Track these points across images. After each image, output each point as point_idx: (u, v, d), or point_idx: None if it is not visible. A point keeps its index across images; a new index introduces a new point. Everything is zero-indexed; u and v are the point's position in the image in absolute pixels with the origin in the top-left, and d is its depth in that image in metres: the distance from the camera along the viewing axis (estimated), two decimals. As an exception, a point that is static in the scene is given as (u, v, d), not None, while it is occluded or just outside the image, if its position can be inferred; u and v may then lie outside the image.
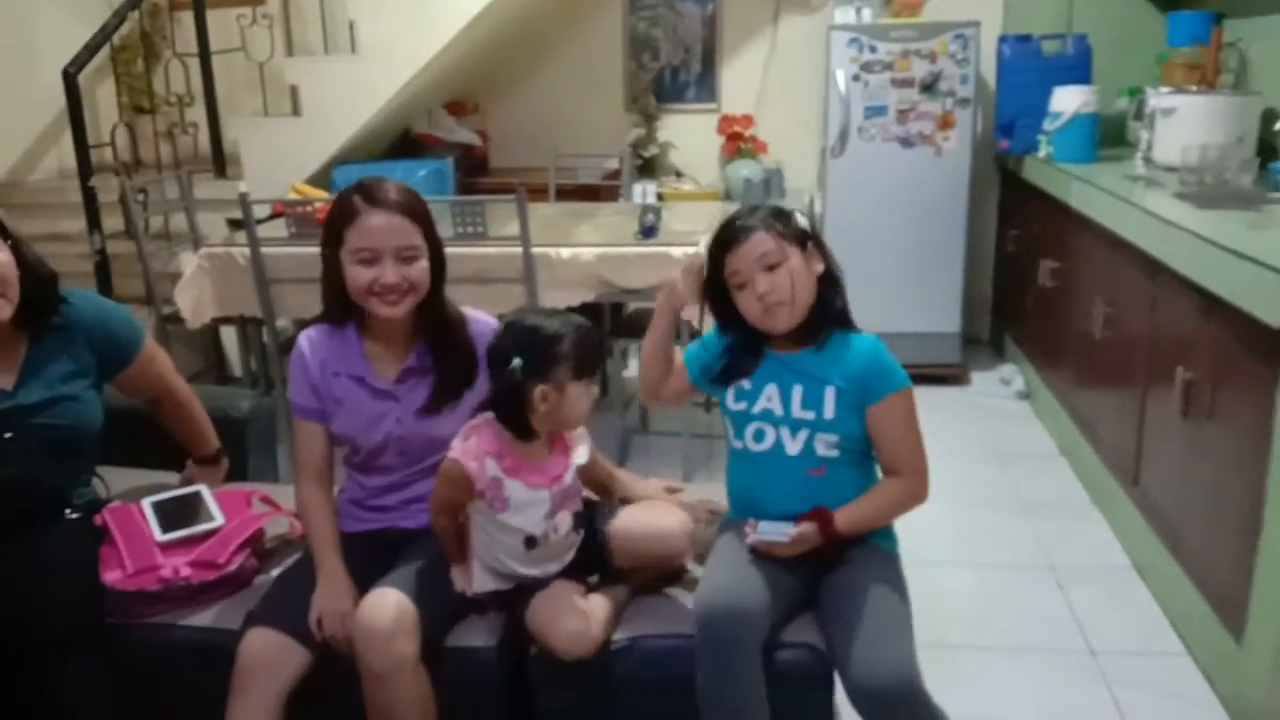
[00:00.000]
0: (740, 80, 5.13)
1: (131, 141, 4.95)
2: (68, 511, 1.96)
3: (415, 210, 1.82)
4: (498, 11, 4.39)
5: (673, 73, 5.22)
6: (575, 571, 1.82)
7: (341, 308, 1.86)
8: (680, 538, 1.80)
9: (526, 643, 1.77)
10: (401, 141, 5.05)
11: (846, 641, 1.61)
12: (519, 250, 3.11)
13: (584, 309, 3.16)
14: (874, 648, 1.58)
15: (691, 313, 1.94)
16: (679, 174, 5.14)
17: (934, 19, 4.36)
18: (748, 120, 5.03)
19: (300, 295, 3.29)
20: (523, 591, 1.78)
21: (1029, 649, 2.49)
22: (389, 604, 1.65)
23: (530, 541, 1.74)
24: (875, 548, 1.80)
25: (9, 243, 1.87)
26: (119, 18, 4.34)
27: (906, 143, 4.32)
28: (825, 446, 1.77)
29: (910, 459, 1.78)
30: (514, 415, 1.70)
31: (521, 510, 1.72)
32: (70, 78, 3.99)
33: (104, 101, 5.13)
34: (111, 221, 4.20)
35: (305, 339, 1.89)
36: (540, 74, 5.27)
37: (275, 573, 1.95)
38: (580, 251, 3.18)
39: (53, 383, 1.93)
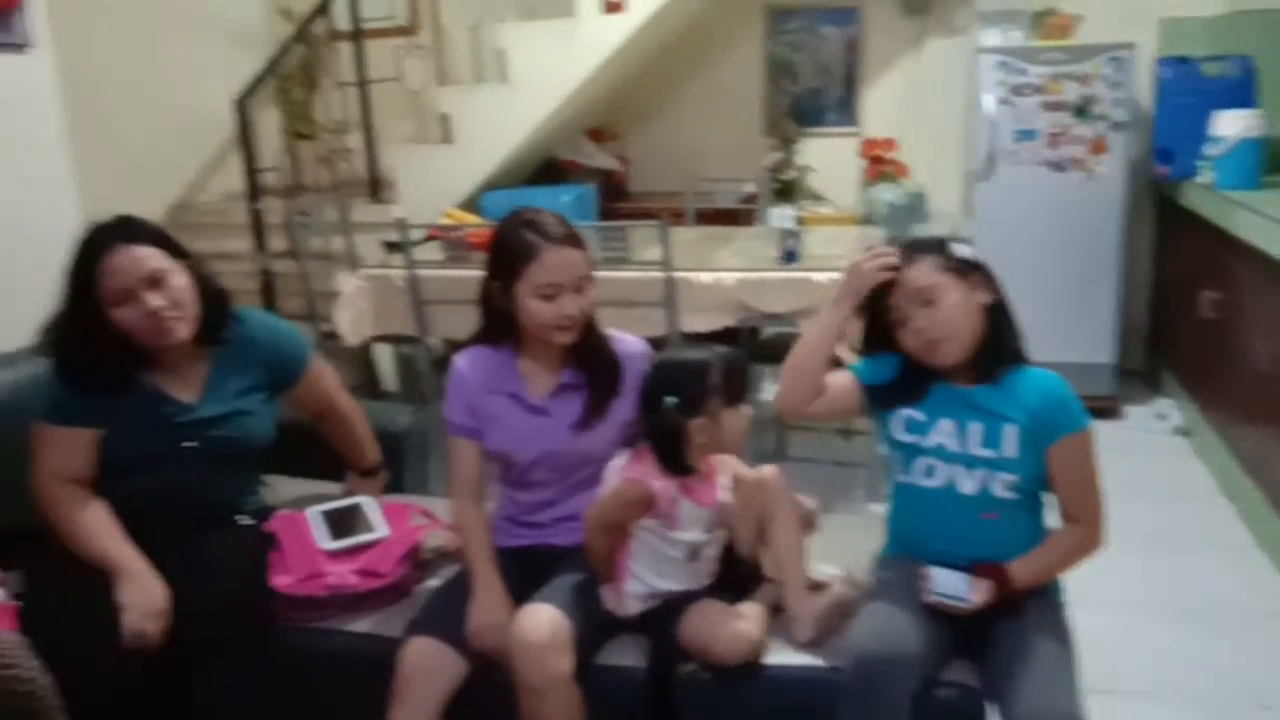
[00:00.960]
0: (882, 103, 5.09)
1: (292, 166, 5.21)
2: (239, 517, 2.07)
3: (582, 241, 1.88)
4: (640, 40, 4.47)
5: (812, 96, 5.21)
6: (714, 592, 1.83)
7: (501, 331, 1.91)
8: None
9: (675, 664, 1.78)
10: (545, 167, 5.18)
11: (1010, 685, 1.56)
12: (660, 275, 3.15)
13: (722, 334, 3.20)
14: (1039, 692, 1.53)
15: (849, 334, 1.90)
16: (817, 198, 5.11)
17: (1086, 41, 4.23)
18: (890, 143, 4.97)
19: (451, 315, 3.40)
20: (671, 611, 1.80)
21: (1192, 698, 2.37)
22: (544, 619, 1.69)
23: (694, 553, 1.77)
24: (1044, 596, 1.75)
25: (186, 263, 1.99)
26: (285, 50, 4.59)
27: (1057, 167, 4.19)
28: (1003, 487, 1.73)
29: (1088, 505, 1.72)
30: (674, 453, 1.73)
31: (689, 526, 1.75)
32: (241, 106, 4.23)
33: (266, 128, 5.42)
34: (273, 242, 4.42)
35: (463, 359, 1.95)
36: (678, 100, 5.33)
37: (433, 583, 2.02)
38: (721, 276, 3.20)
39: (229, 398, 2.05)
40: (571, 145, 5.13)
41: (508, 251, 1.86)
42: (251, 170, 4.28)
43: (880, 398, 1.82)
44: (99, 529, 1.89)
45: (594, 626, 1.79)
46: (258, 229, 4.28)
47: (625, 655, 1.81)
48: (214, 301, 2.02)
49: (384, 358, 4.30)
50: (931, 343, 1.72)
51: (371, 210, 4.64)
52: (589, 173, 5.07)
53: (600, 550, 1.80)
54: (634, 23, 4.30)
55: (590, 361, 1.92)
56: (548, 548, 1.93)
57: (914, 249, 1.76)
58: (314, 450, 2.30)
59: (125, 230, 1.91)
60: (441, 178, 4.49)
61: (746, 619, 1.76)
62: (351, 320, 3.50)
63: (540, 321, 1.84)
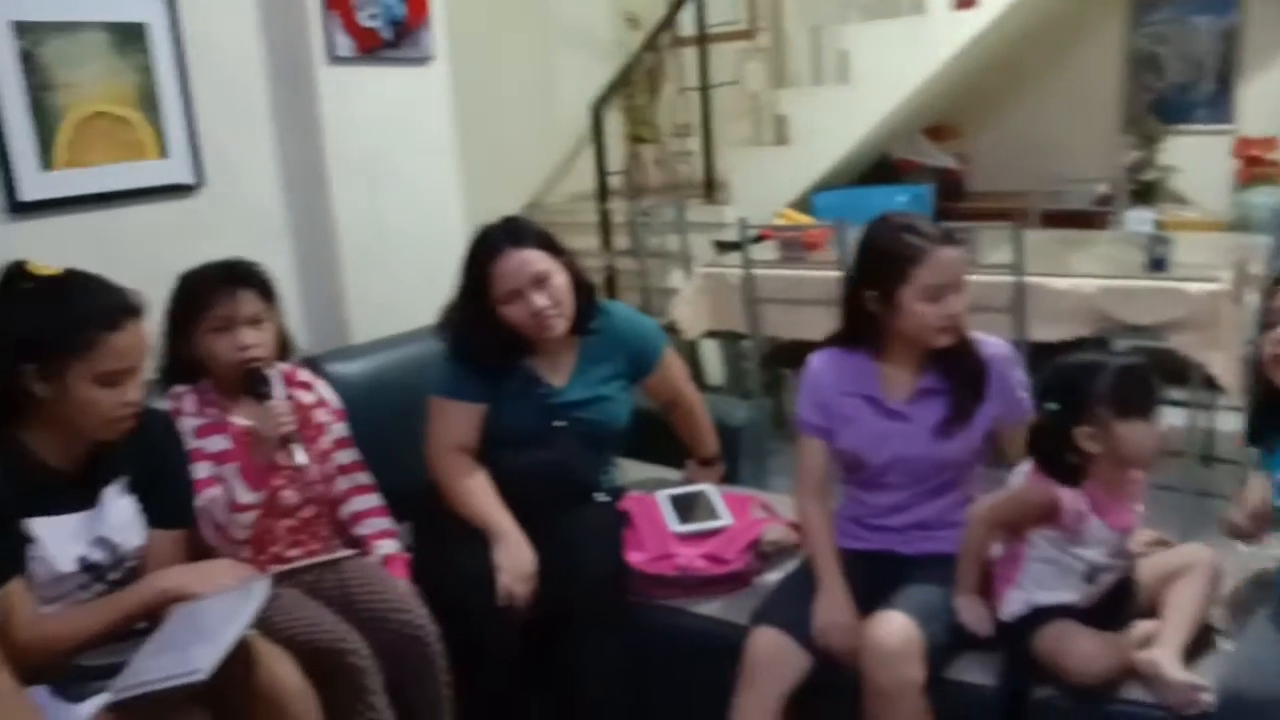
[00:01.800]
0: (1263, 99, 4.57)
1: (631, 168, 5.47)
2: (597, 495, 2.20)
3: (959, 241, 1.84)
4: (989, 35, 4.29)
5: (1178, 91, 4.77)
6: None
7: (863, 335, 1.91)
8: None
9: (1029, 685, 1.70)
10: (878, 166, 5.10)
11: None
12: (1010, 279, 3.01)
13: (1072, 345, 3.00)
14: None
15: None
16: (1180, 200, 4.67)
17: None
18: (1271, 143, 4.45)
19: (784, 314, 3.45)
20: (1031, 627, 1.71)
21: None
22: (897, 626, 1.67)
23: (1092, 575, 1.69)
24: None
25: (562, 260, 2.13)
26: (637, 57, 4.82)
27: None
28: None
29: None
30: (1052, 457, 1.65)
31: (1093, 545, 1.67)
32: (596, 111, 4.49)
33: (611, 132, 5.72)
34: (618, 240, 4.66)
35: (818, 359, 1.96)
36: (1025, 95, 5.06)
37: (773, 575, 2.05)
38: (1079, 282, 3.00)
39: (594, 384, 2.18)
40: (908, 143, 5.02)
41: (888, 256, 1.83)
42: (602, 172, 4.54)
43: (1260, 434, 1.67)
44: (479, 494, 2.07)
45: (946, 640, 1.74)
46: (604, 228, 4.53)
47: (976, 672, 1.75)
48: (585, 296, 2.15)
49: (710, 353, 4.42)
50: None
51: (706, 211, 4.78)
52: (925, 172, 4.93)
53: (977, 551, 1.75)
54: (986, 18, 4.14)
55: (955, 365, 1.87)
56: (892, 554, 1.90)
57: None
58: (656, 436, 2.40)
59: (513, 234, 2.08)
60: (775, 178, 4.54)
61: (1108, 643, 1.65)
62: (690, 315, 3.62)
63: (924, 324, 1.81)
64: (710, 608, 2.01)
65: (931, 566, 1.82)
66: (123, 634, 1.63)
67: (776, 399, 4.07)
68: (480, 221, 2.16)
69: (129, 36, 2.25)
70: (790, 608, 1.84)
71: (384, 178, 2.68)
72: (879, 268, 1.84)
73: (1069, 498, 1.65)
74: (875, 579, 1.84)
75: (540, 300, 2.02)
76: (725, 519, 2.10)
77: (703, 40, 4.80)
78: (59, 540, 1.64)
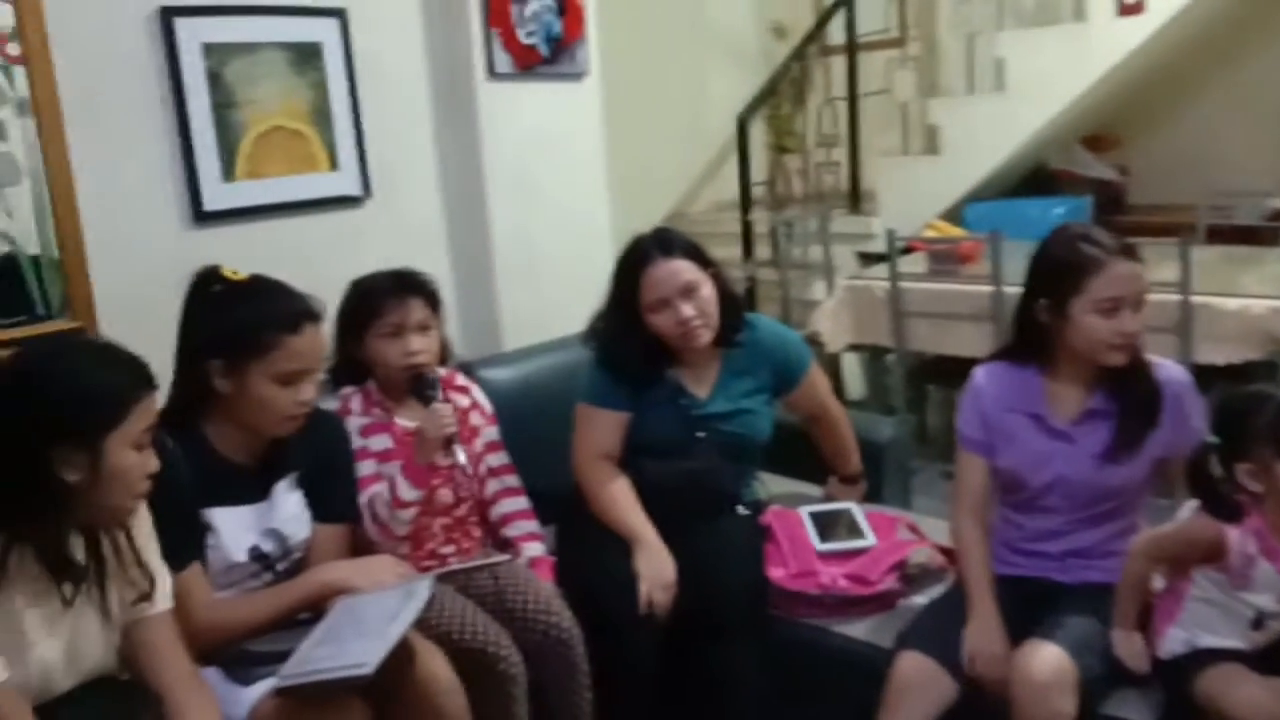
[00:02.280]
0: None
1: (774, 178, 5.44)
2: (739, 508, 2.20)
3: (1139, 255, 1.77)
4: (1156, 41, 4.09)
5: (1363, 99, 4.45)
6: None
7: (1033, 349, 1.85)
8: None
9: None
10: (1032, 177, 4.93)
11: None
12: (1174, 297, 2.86)
13: (1241, 369, 2.83)
14: None
15: None
16: (1368, 217, 4.35)
17: None
18: None
19: (932, 329, 3.37)
20: (1192, 668, 1.63)
21: None
22: (1050, 658, 1.61)
23: (1259, 622, 1.59)
24: None
25: (710, 271, 2.14)
26: (785, 67, 4.80)
27: None
28: None
29: None
30: (1212, 493, 1.57)
31: (1261, 590, 1.58)
32: (742, 123, 4.49)
33: (754, 142, 5.71)
34: (758, 250, 4.64)
35: (983, 372, 1.90)
36: (1190, 104, 4.81)
37: (918, 599, 2.00)
38: (1249, 303, 2.84)
39: (736, 397, 2.18)
40: (1065, 154, 4.84)
41: (1062, 266, 1.77)
42: (745, 183, 4.53)
43: None
44: (622, 502, 2.10)
45: (1101, 674, 1.67)
46: (746, 238, 4.52)
47: (1131, 709, 1.67)
48: (731, 308, 2.15)
49: (852, 366, 4.36)
50: None
51: (850, 222, 4.72)
52: (1083, 183, 4.75)
53: (1136, 584, 1.68)
54: (1152, 25, 3.95)
55: (1127, 387, 1.79)
56: (1047, 582, 1.84)
57: None
58: (796, 450, 2.38)
59: (664, 243, 2.10)
60: (924, 189, 4.44)
61: (1277, 692, 1.54)
62: (832, 328, 3.58)
63: (1096, 339, 1.75)
64: (852, 628, 1.98)
65: (1088, 597, 1.75)
66: (288, 623, 1.73)
67: (921, 416, 3.99)
68: (623, 232, 2.20)
69: (305, 55, 2.38)
70: (939, 632, 1.79)
71: (537, 190, 2.76)
72: (1052, 276, 1.78)
73: (1236, 538, 1.55)
74: (1028, 606, 1.78)
75: (687, 310, 2.04)
76: (869, 539, 2.07)
77: (852, 49, 4.74)
78: (234, 530, 1.75)
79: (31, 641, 1.40)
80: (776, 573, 2.01)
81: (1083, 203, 4.18)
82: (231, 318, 1.71)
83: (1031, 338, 1.84)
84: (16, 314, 2.03)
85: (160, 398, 1.56)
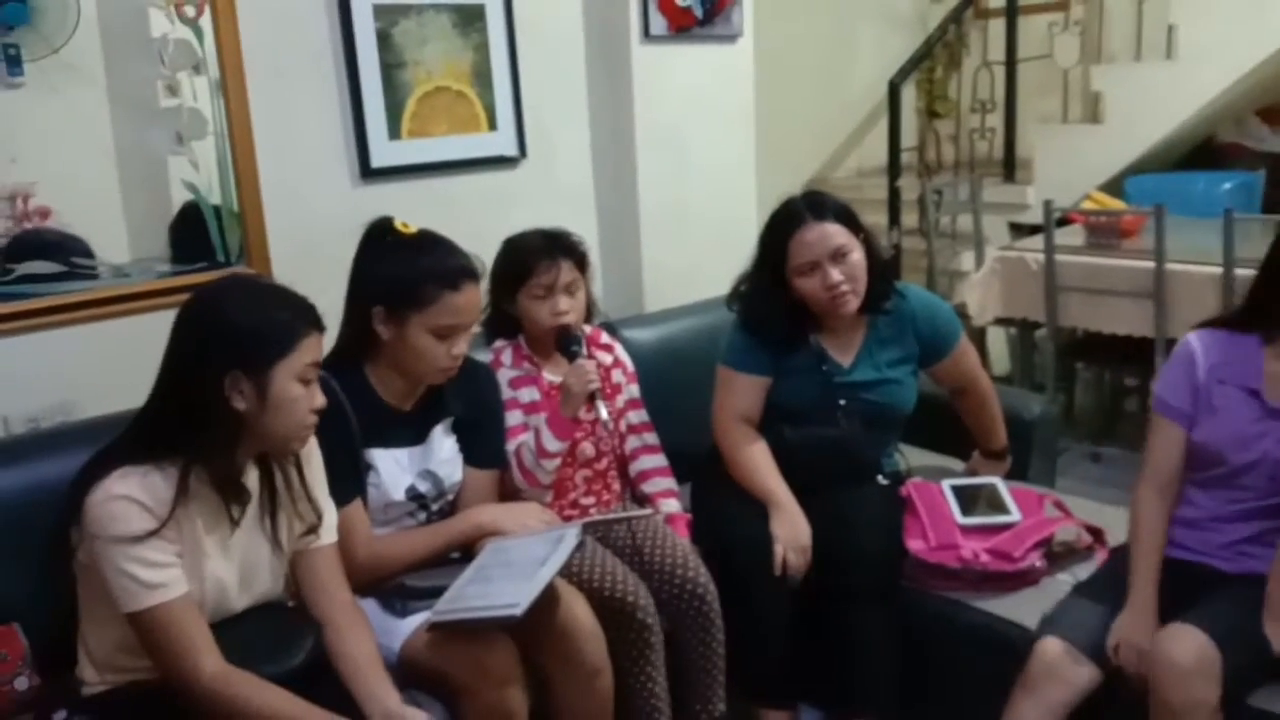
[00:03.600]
0: None
1: (923, 144, 5.29)
2: (879, 478, 2.18)
3: None
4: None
5: None
6: None
7: (1261, 316, 1.74)
8: None
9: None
10: (1200, 150, 4.65)
11: None
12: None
13: None
14: None
15: None
16: None
17: None
18: None
19: (1086, 305, 3.26)
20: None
21: None
22: (1190, 642, 1.55)
23: None
24: None
25: (861, 237, 2.10)
26: (943, 30, 4.65)
27: None
28: None
29: None
30: None
31: None
32: (894, 87, 4.37)
33: (904, 106, 5.55)
34: (905, 218, 4.53)
35: (1198, 338, 1.80)
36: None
37: (1062, 577, 1.95)
38: None
39: (881, 366, 2.16)
40: (1237, 127, 4.55)
41: None
42: (895, 148, 4.42)
43: None
44: (760, 464, 2.11)
45: (1250, 663, 1.59)
46: (893, 205, 4.42)
47: (1285, 704, 1.60)
48: (880, 275, 2.12)
49: (998, 340, 4.23)
50: None
51: (1003, 191, 4.56)
52: (1254, 157, 4.45)
53: None
54: (1343, -12, 3.65)
55: None
56: (1208, 569, 1.75)
57: None
58: (939, 423, 2.34)
59: (815, 205, 2.07)
60: (1083, 159, 4.25)
61: None
62: (980, 300, 3.49)
63: None
64: (991, 604, 1.94)
65: (1245, 585, 1.67)
66: (441, 560, 1.81)
67: (1069, 395, 3.85)
68: (768, 195, 2.18)
69: (469, 17, 2.44)
70: (1084, 619, 1.74)
71: (686, 152, 2.77)
72: None
73: None
74: (1180, 589, 1.71)
75: (836, 275, 2.02)
76: (1014, 514, 2.02)
77: (1012, 12, 4.55)
78: (392, 471, 1.84)
79: (210, 561, 1.51)
80: (915, 545, 1.99)
81: (1254, 178, 3.92)
82: (397, 268, 1.78)
83: (1268, 304, 1.72)
84: (199, 259, 2.16)
85: (328, 344, 1.65)
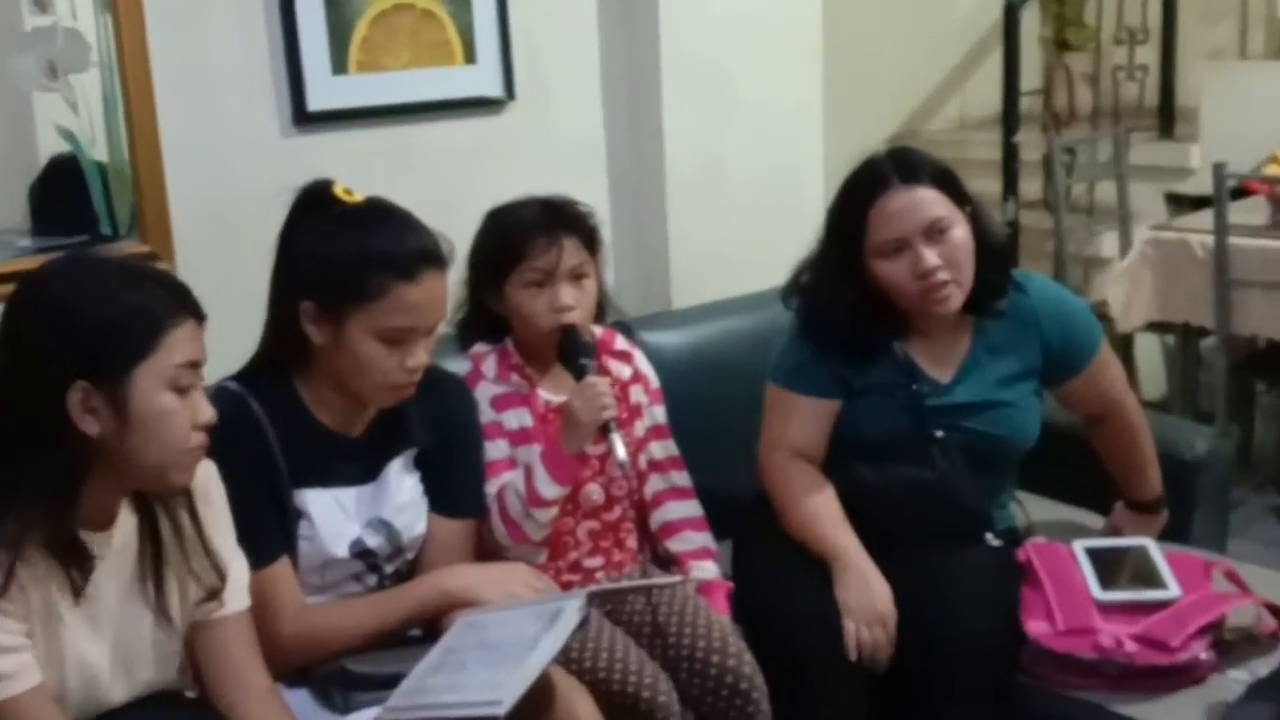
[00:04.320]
0: None
1: (1049, 86, 5.28)
2: (988, 536, 2.18)
3: None
4: None
5: None
6: None
7: None
8: None
9: None
10: None
11: None
12: None
13: None
14: None
15: None
16: None
17: None
18: None
19: (1271, 306, 3.25)
20: None
21: None
22: None
23: None
24: None
25: (966, 210, 2.09)
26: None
27: None
28: None
29: None
30: None
31: None
32: (1011, 9, 4.38)
33: (1024, 36, 5.55)
34: (1024, 185, 4.53)
35: None
36: None
37: (1234, 674, 1.95)
38: None
39: (991, 384, 2.16)
40: None
41: None
42: (1013, 92, 4.42)
43: None
44: (823, 513, 2.12)
45: None
46: (1008, 168, 4.42)
47: None
48: (993, 261, 2.12)
49: (1149, 351, 4.24)
50: None
51: (1158, 150, 4.57)
52: None
53: None
54: None
55: None
56: None
57: None
58: (1069, 462, 2.34)
59: (905, 167, 2.07)
60: (1269, 108, 4.24)
61: None
62: (1125, 297, 3.49)
63: None
64: (1139, 708, 1.93)
65: None
66: (396, 639, 1.82)
67: (1246, 427, 3.84)
68: (836, 152, 2.19)
69: (439, -90, 2.48)
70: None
71: (730, 93, 2.79)
72: None
73: None
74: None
75: (931, 257, 2.01)
76: (1172, 589, 2.01)
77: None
78: (332, 518, 1.86)
79: (71, 641, 1.51)
80: (1036, 627, 1.98)
81: None
82: (332, 250, 1.78)
83: None
84: (76, 231, 2.20)
85: (249, 348, 1.66)
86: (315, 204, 1.83)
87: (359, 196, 1.84)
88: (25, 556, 1.44)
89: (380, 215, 1.83)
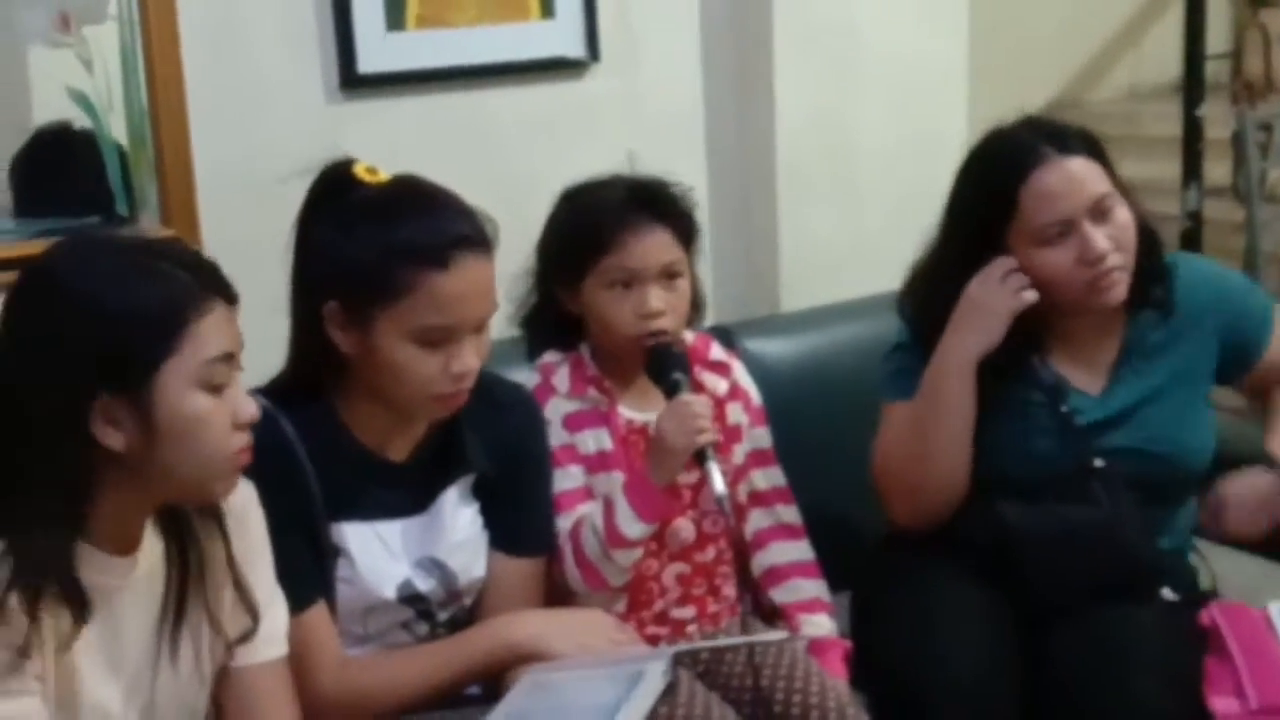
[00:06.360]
0: None
1: (1240, 49, 5.20)
2: (1163, 591, 2.13)
3: None
4: None
5: None
6: None
7: None
8: None
9: None
10: None
11: None
12: None
13: None
14: None
15: None
16: None
17: None
18: None
19: None
20: None
21: None
22: None
23: None
24: None
25: (1118, 186, 2.07)
26: None
27: None
28: None
29: None
30: None
31: None
32: (1197, -42, 4.31)
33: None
34: (1208, 168, 4.44)
35: None
36: None
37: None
38: None
39: (1150, 390, 2.13)
40: None
41: None
42: (1196, 56, 4.34)
43: None
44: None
45: None
46: (1189, 148, 4.34)
47: None
48: (1147, 245, 2.10)
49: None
50: None
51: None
52: None
53: None
54: None
55: None
56: None
57: None
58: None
59: (1057, 136, 2.06)
60: None
61: None
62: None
63: None
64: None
65: None
66: (451, 698, 1.82)
67: None
68: (984, 125, 2.17)
69: None
70: None
71: (856, 57, 2.79)
72: None
73: None
74: None
75: (1103, 241, 2.00)
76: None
77: None
78: (377, 556, 1.86)
79: (85, 685, 1.52)
80: (1223, 704, 1.94)
81: None
82: (352, 241, 1.77)
83: None
84: (87, 212, 2.24)
85: (278, 361, 1.66)
86: (334, 188, 1.82)
87: (384, 176, 1.83)
88: (32, 593, 1.43)
89: (405, 196, 1.82)
